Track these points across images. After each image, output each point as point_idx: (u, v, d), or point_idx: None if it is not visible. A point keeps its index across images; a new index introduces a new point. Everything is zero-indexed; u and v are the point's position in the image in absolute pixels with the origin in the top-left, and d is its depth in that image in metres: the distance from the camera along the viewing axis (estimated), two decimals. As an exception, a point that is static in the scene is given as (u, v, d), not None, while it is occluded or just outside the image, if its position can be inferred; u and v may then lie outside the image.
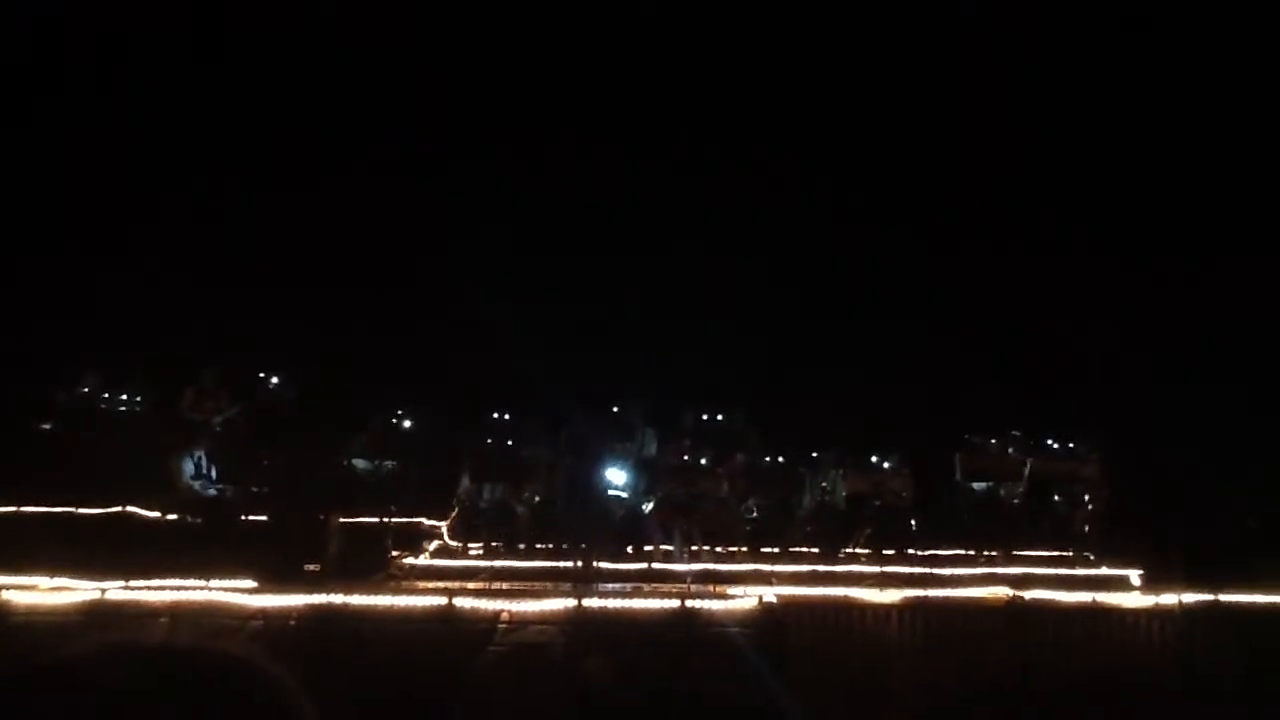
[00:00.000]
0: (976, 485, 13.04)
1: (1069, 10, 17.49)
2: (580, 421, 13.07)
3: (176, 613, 8.45)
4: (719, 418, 13.55)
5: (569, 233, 17.39)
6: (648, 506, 12.54)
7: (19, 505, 10.79)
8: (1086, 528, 12.72)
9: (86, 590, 8.71)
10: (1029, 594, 9.82)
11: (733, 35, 18.04)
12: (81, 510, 11.02)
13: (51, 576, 8.93)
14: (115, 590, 8.73)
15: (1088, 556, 12.34)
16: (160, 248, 16.20)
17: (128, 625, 8.42)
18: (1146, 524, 11.80)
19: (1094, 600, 9.77)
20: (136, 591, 8.73)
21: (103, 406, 12.73)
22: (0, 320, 14.51)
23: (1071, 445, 13.12)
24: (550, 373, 14.60)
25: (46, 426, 12.50)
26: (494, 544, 12.27)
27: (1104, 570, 11.79)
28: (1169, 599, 9.73)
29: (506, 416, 13.02)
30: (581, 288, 17.11)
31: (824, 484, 12.98)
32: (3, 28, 15.84)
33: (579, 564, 10.73)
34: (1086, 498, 12.87)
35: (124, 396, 12.83)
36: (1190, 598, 9.71)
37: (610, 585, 10.44)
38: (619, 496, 12.38)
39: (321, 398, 13.22)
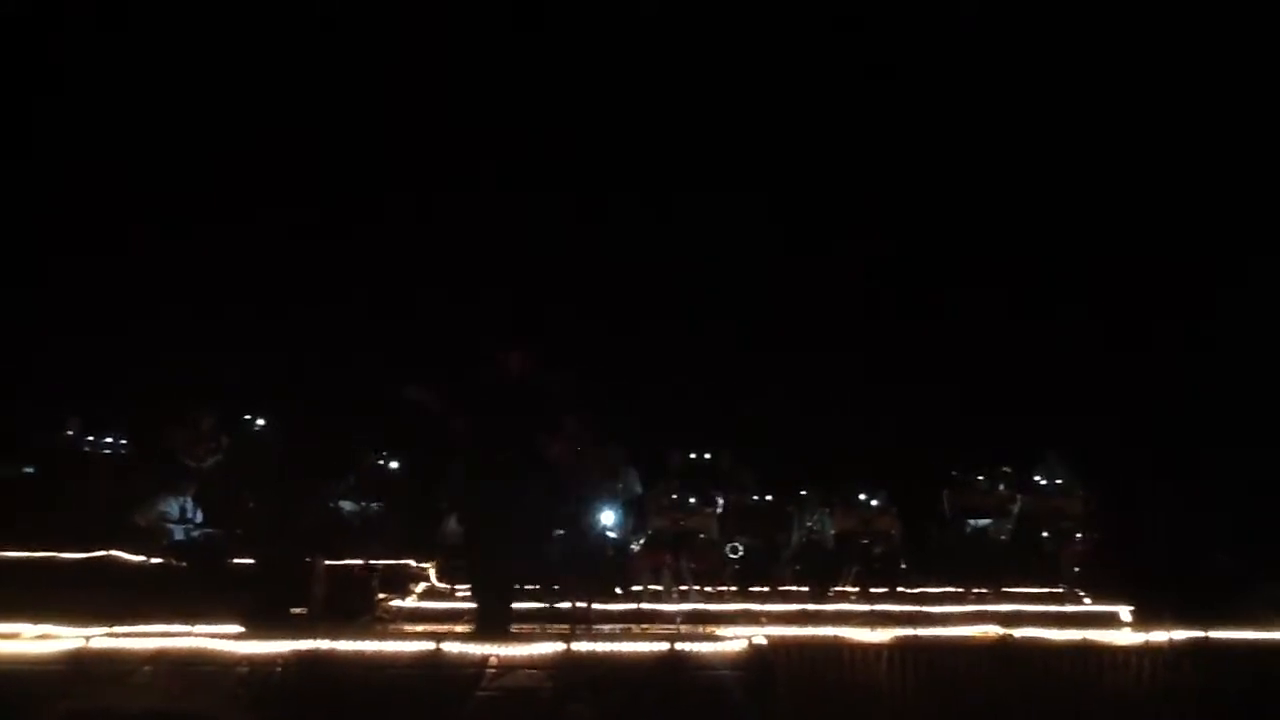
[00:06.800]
0: (965, 522, 13.05)
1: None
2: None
3: (160, 661, 8.29)
4: (706, 456, 13.55)
5: (549, 270, 17.40)
6: (636, 546, 12.51)
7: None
8: (1076, 565, 12.72)
9: (70, 638, 8.56)
10: (1019, 632, 9.78)
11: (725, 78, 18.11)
12: (63, 555, 10.93)
13: (35, 624, 8.79)
14: (99, 638, 8.58)
15: (1078, 594, 12.33)
16: (140, 286, 16.14)
17: (105, 683, 8.20)
18: (1135, 560, 11.79)
19: (1084, 638, 9.73)
20: (120, 639, 8.58)
21: (86, 450, 12.66)
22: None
23: (1060, 482, 13.13)
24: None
25: (29, 470, 12.43)
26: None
27: (1094, 607, 11.79)
28: (1159, 636, 9.69)
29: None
30: (562, 327, 17.10)
31: (810, 523, 12.96)
32: None
33: (576, 606, 10.63)
34: (1077, 535, 12.90)
35: (108, 439, 12.76)
36: (1180, 634, 9.68)
37: (600, 627, 10.36)
38: (609, 537, 12.34)
39: (306, 440, 13.15)
